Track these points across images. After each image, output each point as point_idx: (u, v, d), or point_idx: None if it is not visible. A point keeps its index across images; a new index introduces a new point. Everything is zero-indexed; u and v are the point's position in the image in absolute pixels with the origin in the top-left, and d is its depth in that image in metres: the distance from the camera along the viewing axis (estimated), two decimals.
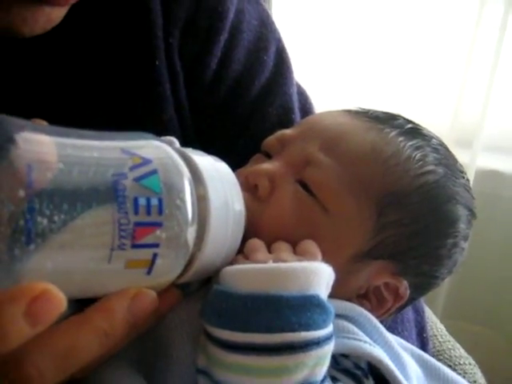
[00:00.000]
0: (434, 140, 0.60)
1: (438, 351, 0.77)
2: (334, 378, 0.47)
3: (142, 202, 0.36)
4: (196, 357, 0.45)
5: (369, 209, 0.53)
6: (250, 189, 0.54)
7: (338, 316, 0.47)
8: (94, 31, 0.59)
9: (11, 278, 0.32)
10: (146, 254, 0.37)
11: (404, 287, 0.55)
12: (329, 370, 0.45)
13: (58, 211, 0.33)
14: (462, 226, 0.57)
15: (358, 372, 0.49)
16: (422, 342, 0.68)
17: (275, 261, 0.45)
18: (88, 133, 0.39)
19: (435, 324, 0.83)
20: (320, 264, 0.45)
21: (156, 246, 0.37)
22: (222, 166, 0.47)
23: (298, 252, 0.49)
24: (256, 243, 0.49)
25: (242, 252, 0.48)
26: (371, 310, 0.54)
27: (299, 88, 0.72)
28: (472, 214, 0.59)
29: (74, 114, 0.59)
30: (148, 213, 0.36)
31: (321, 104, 0.78)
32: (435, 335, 0.80)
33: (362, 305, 0.54)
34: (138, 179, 0.36)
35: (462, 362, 0.76)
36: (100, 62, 0.60)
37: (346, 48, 1.62)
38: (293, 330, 0.41)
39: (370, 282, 0.55)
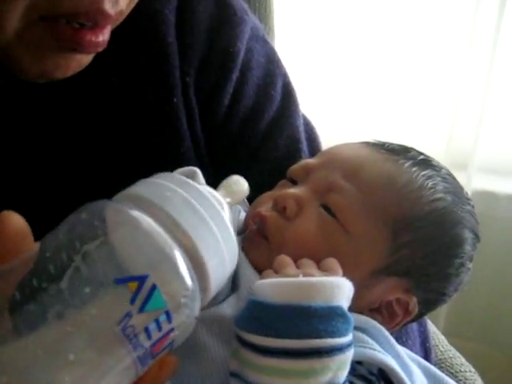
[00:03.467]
0: (443, 170, 0.65)
1: (440, 359, 0.81)
2: (351, 383, 0.52)
3: (153, 326, 0.33)
4: (229, 361, 0.50)
5: (385, 231, 0.59)
6: (278, 210, 0.60)
7: (355, 328, 0.52)
8: (115, 75, 0.63)
9: None
10: (164, 352, 0.36)
11: (414, 303, 0.60)
12: (347, 376, 0.50)
13: None
14: (467, 247, 0.62)
15: (373, 378, 0.54)
16: (425, 351, 0.72)
17: (304, 275, 0.50)
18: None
19: (437, 335, 0.86)
20: (342, 279, 0.51)
21: (171, 343, 0.36)
22: (205, 203, 0.38)
23: (322, 268, 0.54)
24: (285, 259, 0.54)
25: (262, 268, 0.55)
26: (382, 324, 0.58)
27: (305, 119, 0.76)
28: (476, 237, 0.64)
29: (92, 152, 0.62)
30: (159, 329, 0.34)
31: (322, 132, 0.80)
32: (437, 345, 0.84)
33: (373, 318, 0.58)
34: (141, 308, 0.33)
35: (463, 370, 0.80)
36: (120, 102, 0.63)
37: (342, 76, 1.65)
38: (320, 337, 0.47)
39: (384, 297, 0.59)
